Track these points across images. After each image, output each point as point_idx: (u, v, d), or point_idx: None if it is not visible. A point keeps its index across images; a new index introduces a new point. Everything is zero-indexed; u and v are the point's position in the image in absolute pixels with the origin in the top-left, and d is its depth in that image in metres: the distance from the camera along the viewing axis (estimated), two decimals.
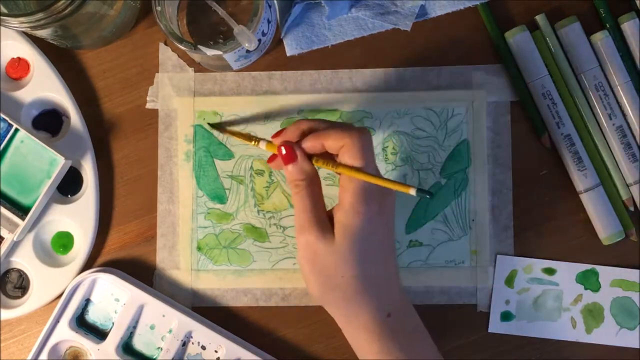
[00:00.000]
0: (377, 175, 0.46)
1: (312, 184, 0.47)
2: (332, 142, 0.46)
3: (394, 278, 0.48)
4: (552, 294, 0.54)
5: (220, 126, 0.55)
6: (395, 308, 0.47)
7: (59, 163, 0.53)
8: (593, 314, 0.54)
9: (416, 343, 0.48)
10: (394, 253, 0.48)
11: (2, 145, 0.54)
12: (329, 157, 0.47)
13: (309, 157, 0.47)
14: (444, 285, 0.54)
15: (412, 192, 0.44)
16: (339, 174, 0.46)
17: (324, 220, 0.46)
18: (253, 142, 0.50)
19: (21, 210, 0.54)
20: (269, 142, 0.49)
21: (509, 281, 0.54)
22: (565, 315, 0.54)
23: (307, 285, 0.47)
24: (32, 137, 0.53)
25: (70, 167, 0.55)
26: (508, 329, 0.54)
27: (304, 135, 0.47)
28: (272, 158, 0.48)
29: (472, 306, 0.54)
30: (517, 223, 0.55)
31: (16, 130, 0.53)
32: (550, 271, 0.54)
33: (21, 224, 0.53)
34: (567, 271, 0.54)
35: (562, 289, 0.54)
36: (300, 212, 0.46)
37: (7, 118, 0.53)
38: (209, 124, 0.55)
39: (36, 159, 0.54)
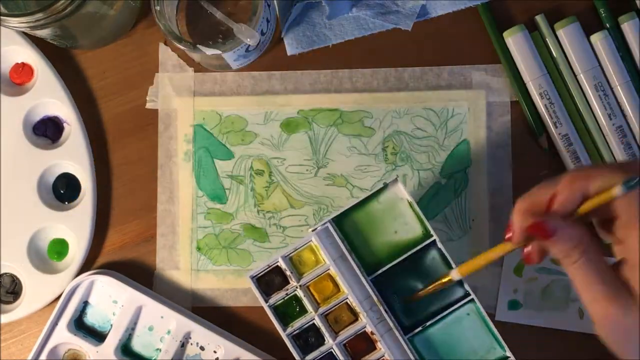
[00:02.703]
0: None
1: (589, 248, 0.37)
2: (600, 182, 0.36)
3: None
4: (560, 284, 0.54)
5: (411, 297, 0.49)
6: None
7: (499, 354, 0.47)
8: None
9: None
10: None
11: (448, 311, 0.48)
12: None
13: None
14: None
15: None
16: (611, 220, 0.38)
17: (620, 288, 0.37)
18: (446, 279, 0.45)
19: None
20: (466, 262, 0.44)
21: (518, 270, 0.54)
22: (572, 306, 0.54)
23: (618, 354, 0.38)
24: (484, 316, 0.47)
25: (69, 174, 0.55)
26: (515, 318, 0.54)
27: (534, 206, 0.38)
28: (526, 257, 0.40)
29: None
30: None
31: (471, 300, 0.47)
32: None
33: None
34: None
35: None
36: (584, 286, 0.37)
37: (467, 288, 0.47)
38: (405, 298, 0.49)
39: (475, 338, 0.48)
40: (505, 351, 0.47)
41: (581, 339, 0.54)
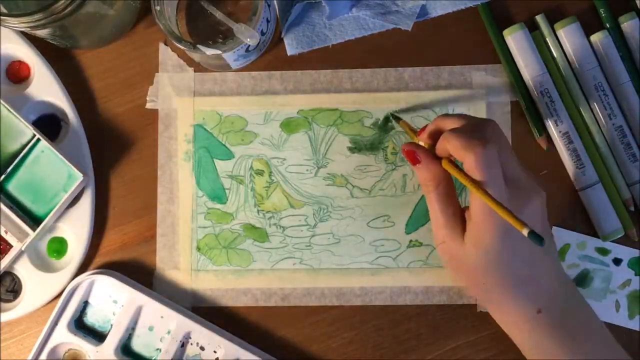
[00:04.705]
0: (496, 199, 0.42)
1: (441, 185, 0.46)
2: (453, 152, 0.44)
3: (545, 274, 0.46)
4: (601, 274, 0.54)
5: (398, 118, 0.54)
6: (546, 304, 0.45)
7: (77, 179, 0.53)
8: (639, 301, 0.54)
9: (581, 339, 0.46)
10: (551, 246, 0.47)
11: (23, 154, 0.53)
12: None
13: (440, 158, 0.46)
14: (444, 285, 0.54)
15: (524, 232, 0.40)
16: None
17: (454, 222, 0.46)
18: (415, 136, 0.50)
19: (32, 220, 0.54)
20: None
21: (561, 254, 0.54)
22: (610, 297, 0.54)
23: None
24: (53, 149, 0.53)
25: None
26: None
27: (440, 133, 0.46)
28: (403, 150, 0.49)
29: (472, 306, 0.54)
30: None
31: (38, 139, 0.53)
32: (603, 251, 0.54)
33: (31, 234, 0.53)
34: (621, 254, 0.54)
35: (612, 271, 0.54)
36: (431, 212, 0.47)
37: (30, 127, 0.53)
38: (392, 114, 0.55)
39: (54, 171, 0.54)
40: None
41: (613, 331, 0.53)
